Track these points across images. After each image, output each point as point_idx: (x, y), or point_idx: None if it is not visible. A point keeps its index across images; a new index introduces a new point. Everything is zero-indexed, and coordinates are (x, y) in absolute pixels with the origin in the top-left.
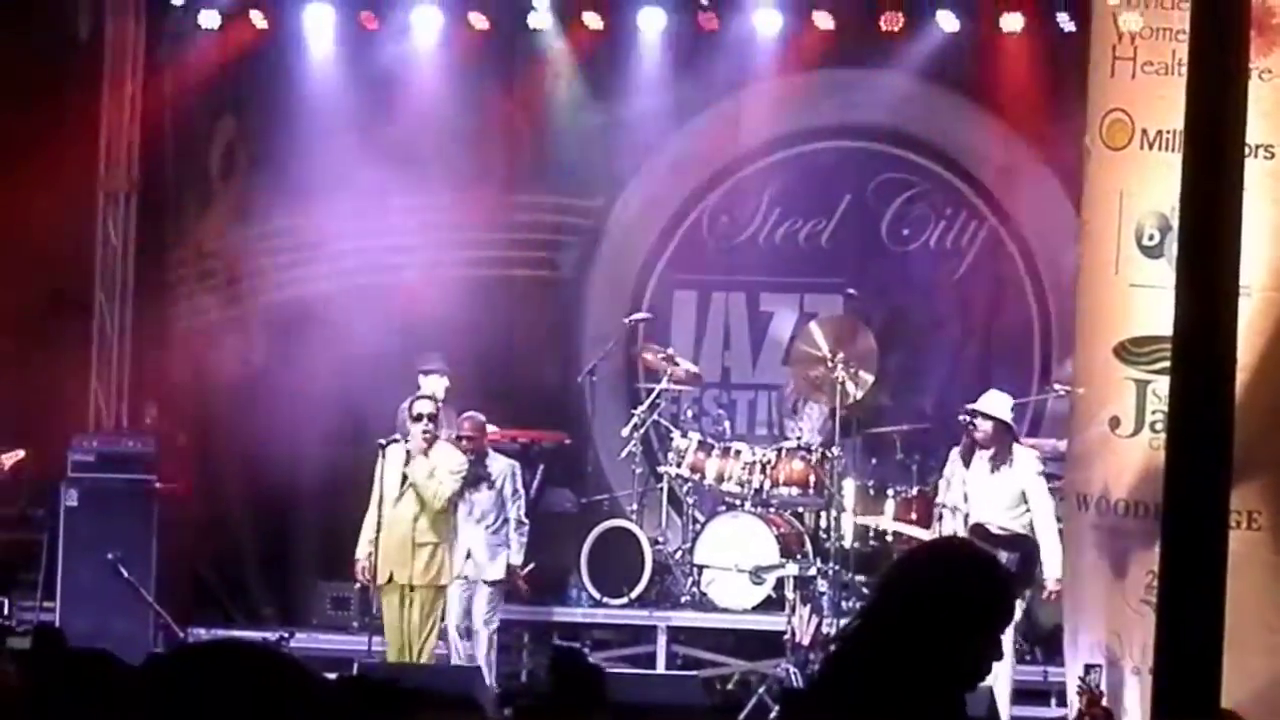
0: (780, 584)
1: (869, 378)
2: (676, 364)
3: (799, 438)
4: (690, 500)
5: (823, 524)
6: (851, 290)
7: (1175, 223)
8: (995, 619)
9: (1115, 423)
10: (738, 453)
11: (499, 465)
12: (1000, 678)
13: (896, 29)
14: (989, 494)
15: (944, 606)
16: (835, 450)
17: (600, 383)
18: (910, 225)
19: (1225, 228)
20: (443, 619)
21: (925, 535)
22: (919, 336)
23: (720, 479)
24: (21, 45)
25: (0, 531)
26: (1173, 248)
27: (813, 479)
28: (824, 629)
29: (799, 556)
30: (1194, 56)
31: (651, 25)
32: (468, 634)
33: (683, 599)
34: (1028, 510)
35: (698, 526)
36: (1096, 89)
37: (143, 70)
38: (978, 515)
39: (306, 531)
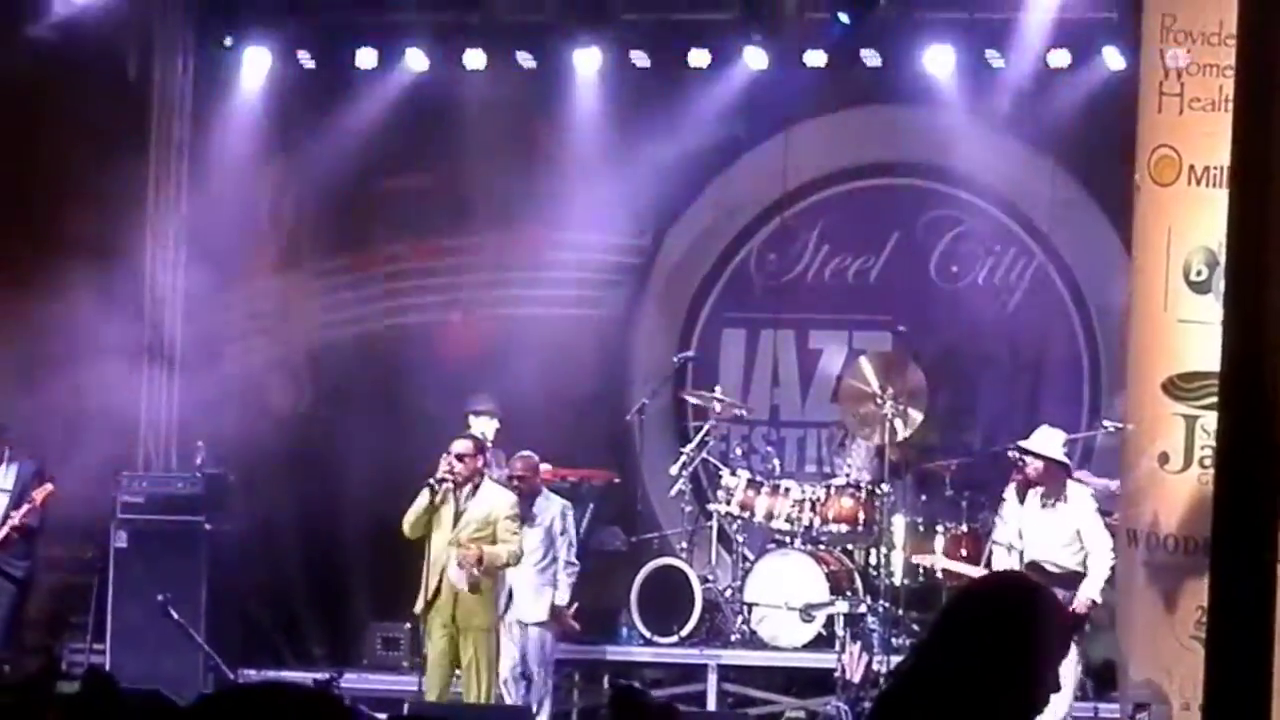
0: (830, 621)
1: (918, 415)
2: (724, 402)
3: (848, 475)
4: (740, 538)
5: (872, 561)
6: (900, 327)
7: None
8: (1050, 650)
9: (1164, 458)
10: (787, 490)
11: (550, 505)
12: (1058, 712)
13: (943, 66)
14: (1043, 531)
15: (999, 638)
16: (884, 487)
17: (649, 421)
18: (959, 262)
19: (1272, 263)
20: (497, 660)
21: (975, 572)
22: (968, 373)
23: (770, 516)
24: (71, 85)
25: (51, 574)
26: (1220, 283)
27: (862, 516)
28: (874, 666)
29: (849, 594)
30: (1239, 91)
31: (699, 62)
32: (522, 677)
33: (733, 637)
34: (1084, 548)
35: (747, 564)
36: (1144, 125)
37: (191, 111)
38: (1033, 553)
39: (356, 572)
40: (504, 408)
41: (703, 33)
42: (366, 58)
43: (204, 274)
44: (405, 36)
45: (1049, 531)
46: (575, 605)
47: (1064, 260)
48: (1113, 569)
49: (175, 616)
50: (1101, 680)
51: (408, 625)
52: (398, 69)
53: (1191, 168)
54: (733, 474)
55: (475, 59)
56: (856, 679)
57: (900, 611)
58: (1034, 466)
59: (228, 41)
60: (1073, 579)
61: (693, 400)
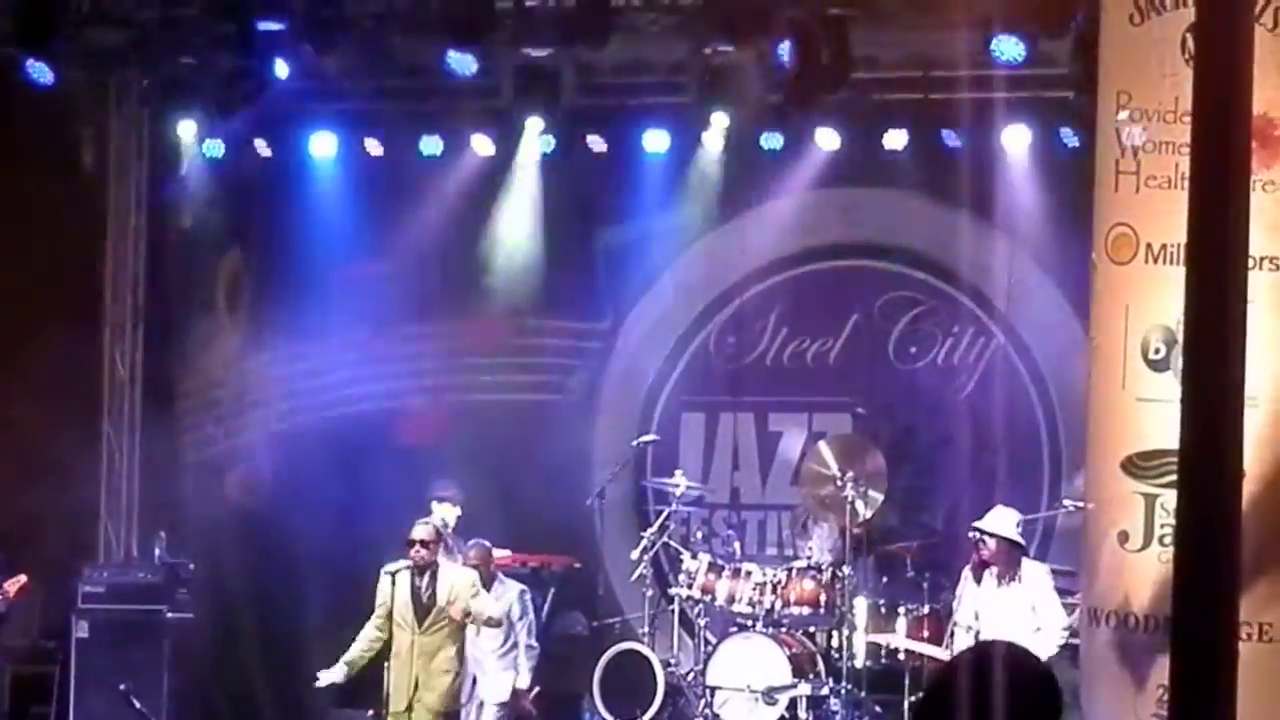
0: (793, 704)
1: (879, 496)
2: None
3: (809, 557)
4: (702, 622)
5: (834, 643)
6: (860, 409)
7: (1180, 336)
8: (1038, 714)
9: (1124, 537)
10: (748, 573)
11: (507, 590)
12: None
13: (900, 147)
14: (999, 611)
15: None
16: (846, 569)
17: (609, 505)
18: (917, 343)
19: (1229, 340)
20: None
21: (938, 653)
22: (928, 454)
23: (731, 600)
24: (25, 175)
25: (12, 664)
26: (1178, 361)
27: (824, 598)
28: None
29: (811, 676)
30: (1195, 170)
31: (656, 146)
32: None
33: None
34: (1039, 626)
35: (710, 648)
36: (1101, 204)
37: (147, 200)
38: (989, 633)
39: (318, 659)
40: (465, 492)
41: (660, 116)
42: (323, 144)
43: (161, 364)
44: (362, 124)
45: (1005, 611)
46: (536, 690)
47: (1022, 340)
48: (1071, 646)
49: (138, 706)
50: None
51: (370, 712)
52: (352, 157)
53: (1149, 245)
54: (694, 557)
55: (432, 145)
56: None
57: (863, 694)
58: (989, 548)
59: (182, 128)
60: None
61: (653, 485)
